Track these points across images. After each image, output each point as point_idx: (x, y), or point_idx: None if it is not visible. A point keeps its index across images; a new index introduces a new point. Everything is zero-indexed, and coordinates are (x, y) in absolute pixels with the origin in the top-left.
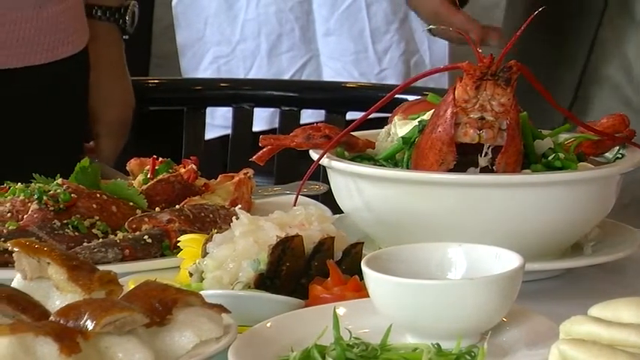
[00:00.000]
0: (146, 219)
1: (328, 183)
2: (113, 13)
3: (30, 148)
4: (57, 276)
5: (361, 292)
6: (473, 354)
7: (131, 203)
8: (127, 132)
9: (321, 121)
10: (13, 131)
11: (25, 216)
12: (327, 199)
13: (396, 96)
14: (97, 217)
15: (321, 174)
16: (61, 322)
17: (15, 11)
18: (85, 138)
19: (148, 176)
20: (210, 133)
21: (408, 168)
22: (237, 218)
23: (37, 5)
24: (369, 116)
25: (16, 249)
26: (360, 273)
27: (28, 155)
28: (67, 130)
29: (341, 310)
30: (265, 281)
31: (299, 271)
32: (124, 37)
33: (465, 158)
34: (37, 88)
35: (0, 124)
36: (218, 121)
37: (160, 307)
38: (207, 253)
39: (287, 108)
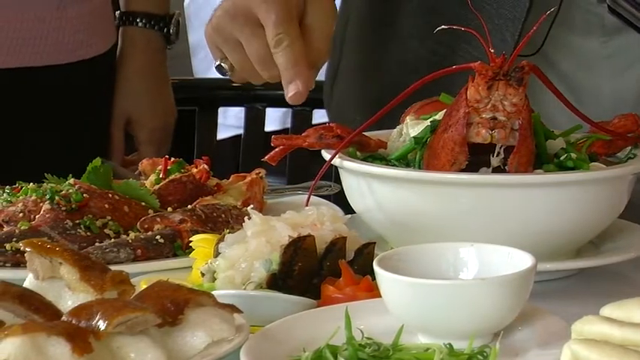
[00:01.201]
0: (158, 219)
1: (340, 183)
2: (158, 21)
3: (49, 146)
4: (69, 276)
5: (373, 292)
6: (485, 354)
7: (143, 203)
8: (170, 140)
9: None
10: (32, 129)
11: (37, 216)
12: (339, 199)
13: None
14: (109, 217)
15: (333, 174)
16: (73, 322)
17: (38, 10)
18: (126, 149)
19: (160, 176)
20: (222, 133)
21: (420, 168)
22: (250, 218)
23: (60, 5)
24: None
25: (28, 249)
26: (372, 273)
27: (47, 153)
28: (87, 130)
29: (353, 310)
30: (277, 281)
31: (311, 271)
32: (167, 46)
33: (477, 158)
34: (58, 88)
35: (20, 121)
36: (230, 121)
37: (172, 307)
38: (220, 253)
39: (299, 108)
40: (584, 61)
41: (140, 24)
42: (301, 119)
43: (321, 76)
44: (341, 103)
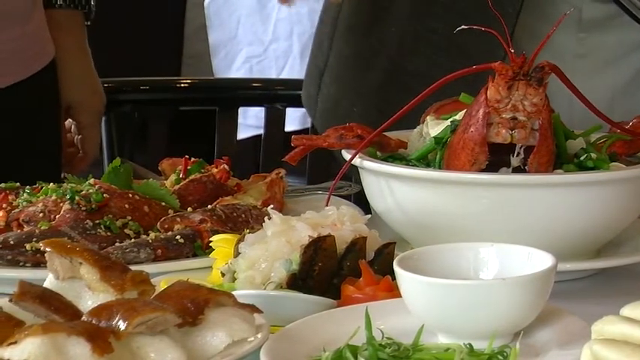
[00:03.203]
0: (178, 219)
1: (360, 183)
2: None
3: (16, 159)
4: (89, 276)
5: (393, 292)
6: (505, 354)
7: (163, 203)
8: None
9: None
10: (6, 147)
11: (57, 216)
12: (359, 199)
13: None
14: (130, 217)
15: (353, 174)
16: (94, 322)
17: (6, 29)
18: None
19: (181, 176)
20: (242, 133)
21: (440, 168)
22: (270, 218)
23: (23, 21)
24: None
25: (48, 249)
26: (392, 273)
27: (14, 165)
28: (51, 135)
29: (373, 310)
30: (297, 281)
31: (331, 271)
32: (86, 22)
33: (497, 158)
34: (24, 103)
35: None
36: (250, 121)
37: (192, 307)
38: (240, 253)
39: None
40: (558, 56)
41: (64, 5)
42: None
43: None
44: (332, 96)
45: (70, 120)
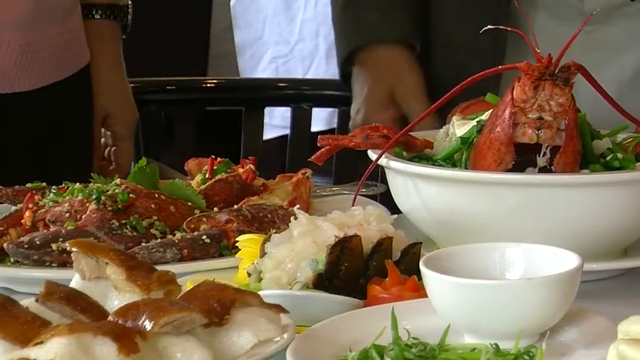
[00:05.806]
0: (204, 219)
1: (386, 183)
2: (118, 11)
3: (40, 155)
4: (115, 276)
5: (419, 292)
6: (531, 354)
7: (189, 203)
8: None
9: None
10: (38, 148)
11: (83, 216)
12: (385, 199)
13: None
14: (156, 217)
15: (379, 174)
16: (120, 322)
17: (44, 27)
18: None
19: (207, 176)
20: (268, 133)
21: (466, 168)
22: (296, 218)
23: (63, 19)
24: None
25: (74, 249)
26: (418, 273)
27: (48, 168)
28: (82, 140)
29: (399, 310)
30: (324, 281)
31: (357, 271)
32: (122, 36)
33: (523, 158)
34: (64, 103)
35: (28, 143)
36: (276, 121)
37: (219, 307)
38: (266, 253)
39: (345, 108)
40: (567, 51)
41: (103, 16)
42: (347, 119)
43: None
44: None
45: (103, 134)
